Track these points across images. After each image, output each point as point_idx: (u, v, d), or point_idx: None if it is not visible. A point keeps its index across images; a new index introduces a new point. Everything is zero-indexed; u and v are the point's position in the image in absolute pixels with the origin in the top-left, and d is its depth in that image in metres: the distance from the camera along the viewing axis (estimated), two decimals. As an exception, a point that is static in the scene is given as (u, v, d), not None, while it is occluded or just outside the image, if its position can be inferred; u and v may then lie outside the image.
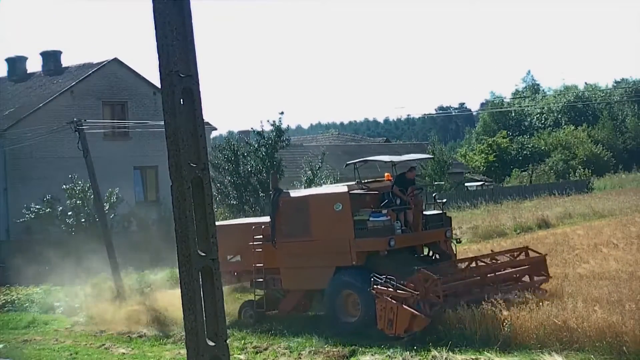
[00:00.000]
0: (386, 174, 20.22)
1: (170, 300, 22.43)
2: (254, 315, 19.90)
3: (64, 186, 33.84)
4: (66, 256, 29.54)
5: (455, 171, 59.19)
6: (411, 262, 17.83)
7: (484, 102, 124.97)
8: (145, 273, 29.19)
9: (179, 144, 6.11)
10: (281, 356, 16.74)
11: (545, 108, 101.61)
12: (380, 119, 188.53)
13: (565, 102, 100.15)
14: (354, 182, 19.40)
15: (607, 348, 13.38)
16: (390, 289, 15.83)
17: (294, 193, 20.09)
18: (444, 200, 21.45)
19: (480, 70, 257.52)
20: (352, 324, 17.56)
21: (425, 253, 19.62)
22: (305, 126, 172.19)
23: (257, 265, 19.61)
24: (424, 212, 19.22)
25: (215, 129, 44.62)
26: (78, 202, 33.96)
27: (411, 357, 15.06)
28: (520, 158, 75.49)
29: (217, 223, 21.30)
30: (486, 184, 62.65)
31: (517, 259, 18.21)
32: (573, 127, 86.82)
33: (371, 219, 17.87)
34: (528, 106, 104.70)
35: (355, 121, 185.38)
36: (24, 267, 29.48)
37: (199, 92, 6.26)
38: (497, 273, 17.54)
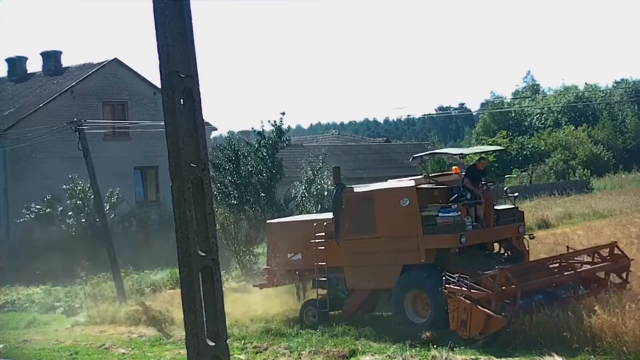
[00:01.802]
0: (454, 168, 19.71)
1: (171, 300, 22.47)
2: (317, 315, 19.22)
3: (64, 186, 33.82)
4: (66, 256, 29.58)
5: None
6: (482, 260, 17.29)
7: (484, 102, 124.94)
8: (146, 273, 29.24)
9: (179, 144, 6.11)
10: (281, 356, 16.72)
11: (545, 108, 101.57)
12: (381, 119, 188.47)
13: (565, 103, 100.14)
14: (421, 176, 18.80)
15: (607, 348, 13.39)
16: (464, 289, 15.03)
17: (358, 188, 19.05)
18: (516, 193, 20.67)
19: (480, 71, 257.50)
20: (422, 324, 16.64)
21: (497, 250, 18.90)
22: (306, 126, 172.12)
23: (320, 263, 19.00)
24: (495, 207, 18.54)
25: (216, 129, 44.72)
26: (78, 202, 33.93)
27: (411, 357, 15.07)
28: (520, 158, 75.45)
29: (277, 220, 21.14)
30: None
31: (601, 255, 17.33)
32: (573, 128, 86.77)
33: (440, 214, 17.09)
34: (528, 106, 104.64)
35: (355, 121, 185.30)
36: (24, 267, 29.52)
37: (199, 92, 6.26)
38: (576, 270, 16.61)
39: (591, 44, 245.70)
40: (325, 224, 19.16)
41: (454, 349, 14.81)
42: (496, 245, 18.96)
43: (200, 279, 6.20)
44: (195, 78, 6.22)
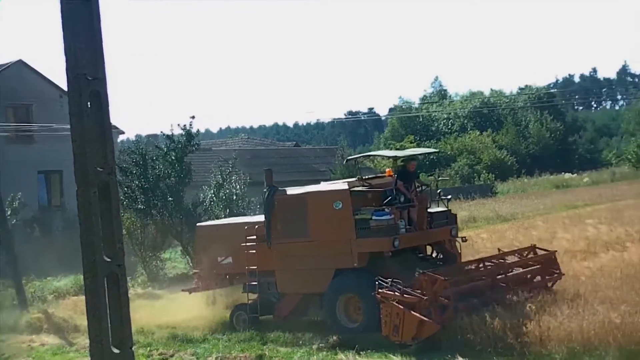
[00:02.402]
0: (387, 170, 19.46)
1: (75, 307, 22.01)
2: (248, 320, 18.83)
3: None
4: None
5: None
6: (415, 263, 17.01)
7: (393, 107, 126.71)
8: (49, 280, 28.55)
9: (86, 148, 6.02)
10: (187, 363, 16.60)
11: (452, 113, 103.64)
12: (290, 124, 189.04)
13: (471, 108, 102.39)
14: (354, 179, 18.51)
15: (509, 349, 13.70)
16: (397, 293, 14.78)
17: (290, 190, 18.67)
18: (449, 196, 20.52)
19: (389, 76, 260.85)
20: (354, 329, 16.51)
21: (429, 253, 18.79)
22: (215, 130, 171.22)
23: (251, 267, 18.64)
24: (428, 209, 18.27)
25: (123, 133, 43.85)
26: (-22, 207, 32.94)
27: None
28: (427, 162, 76.79)
29: (207, 223, 20.45)
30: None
31: (527, 257, 17.47)
32: (478, 133, 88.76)
33: (374, 217, 16.83)
34: (435, 111, 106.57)
35: (264, 125, 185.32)
36: None
37: (107, 95, 6.18)
38: (507, 274, 16.63)
39: (497, 50, 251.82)
40: (256, 227, 18.80)
41: (360, 352, 14.94)
42: (429, 248, 18.88)
43: (106, 285, 6.11)
44: (103, 81, 6.15)
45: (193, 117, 29.69)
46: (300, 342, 16.51)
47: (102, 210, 6.13)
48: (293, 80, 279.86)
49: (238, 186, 30.60)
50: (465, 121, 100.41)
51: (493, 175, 71.17)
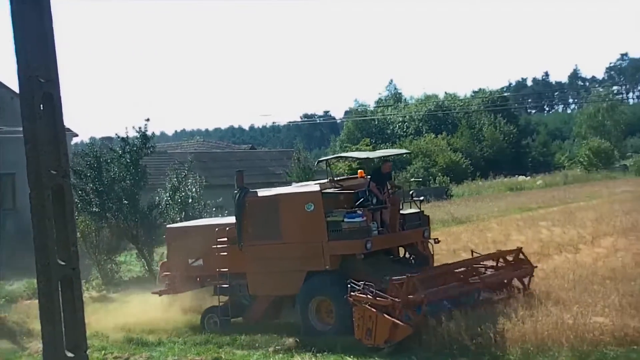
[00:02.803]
0: (359, 172, 19.32)
1: (28, 311, 21.72)
2: (219, 323, 18.70)
3: None
4: None
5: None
6: (388, 266, 17.00)
7: (348, 110, 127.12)
8: (1, 283, 28.15)
9: (39, 151, 5.96)
10: (142, 366, 16.49)
11: (407, 116, 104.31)
12: (246, 126, 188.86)
13: (426, 111, 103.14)
14: (326, 180, 18.35)
15: (464, 350, 13.81)
16: (370, 296, 14.66)
17: (262, 192, 18.56)
18: (422, 197, 20.41)
19: (344, 79, 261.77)
20: (327, 332, 16.37)
21: (402, 255, 18.68)
22: (170, 133, 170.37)
23: (222, 269, 18.41)
24: (401, 211, 18.20)
25: (77, 135, 43.44)
26: None
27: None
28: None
29: (177, 225, 20.15)
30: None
31: (506, 260, 17.46)
32: (433, 136, 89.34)
33: (346, 219, 16.69)
34: (391, 114, 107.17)
35: (220, 128, 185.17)
36: None
37: (60, 97, 6.12)
38: (481, 276, 16.73)
39: (451, 54, 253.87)
40: (227, 229, 18.62)
41: (317, 355, 14.96)
42: (402, 250, 18.79)
43: (60, 289, 6.05)
44: (56, 83, 6.08)
45: (148, 120, 29.51)
46: (257, 345, 16.48)
47: (56, 213, 6.06)
48: (249, 83, 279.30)
49: (194, 189, 30.46)
50: (421, 124, 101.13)
51: (448, 178, 71.67)
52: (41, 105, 6.02)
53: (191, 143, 73.84)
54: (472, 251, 18.68)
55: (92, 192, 28.43)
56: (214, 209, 30.45)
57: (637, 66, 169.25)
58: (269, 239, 17.66)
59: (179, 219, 27.99)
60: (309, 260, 17.00)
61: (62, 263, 6.05)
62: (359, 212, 16.81)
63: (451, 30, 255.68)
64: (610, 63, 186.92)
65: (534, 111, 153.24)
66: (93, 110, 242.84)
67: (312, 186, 18.12)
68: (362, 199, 17.35)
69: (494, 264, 17.51)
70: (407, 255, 18.66)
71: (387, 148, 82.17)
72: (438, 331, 14.16)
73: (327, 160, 19.68)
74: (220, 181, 45.68)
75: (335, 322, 16.43)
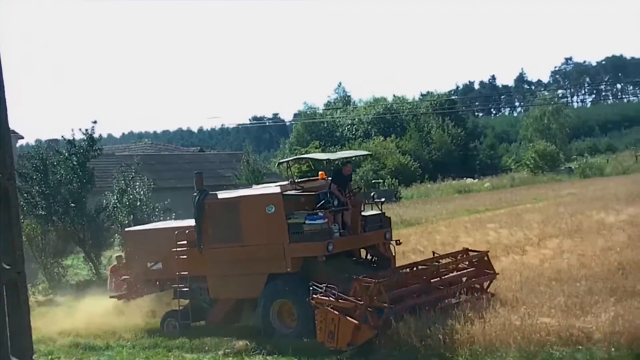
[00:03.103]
0: (320, 173, 19.21)
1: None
2: (178, 327, 18.34)
3: None
4: None
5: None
6: (349, 268, 16.87)
7: (297, 112, 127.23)
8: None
9: (-17, 153, 5.85)
10: (88, 371, 16.32)
11: (356, 119, 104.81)
12: (194, 129, 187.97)
13: (374, 114, 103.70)
14: (287, 182, 18.18)
15: (412, 352, 13.88)
16: (332, 299, 14.43)
17: (222, 194, 18.24)
18: (383, 199, 20.42)
19: (293, 81, 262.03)
20: (289, 335, 16.16)
21: (364, 257, 18.61)
22: (117, 135, 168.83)
23: (182, 273, 18.17)
24: (362, 213, 18.09)
25: (22, 137, 42.93)
26: None
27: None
28: (332, 168, 77.25)
29: (136, 228, 19.65)
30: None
31: (460, 259, 17.40)
32: (382, 138, 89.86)
33: (307, 221, 16.50)
34: (340, 117, 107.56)
35: (168, 130, 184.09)
36: None
37: (4, 98, 6.03)
38: (442, 277, 16.65)
39: (399, 57, 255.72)
40: (187, 231, 18.41)
41: (267, 357, 14.94)
42: (363, 252, 18.73)
43: (5, 293, 5.95)
44: (0, 84, 5.99)
45: (95, 122, 29.25)
46: (207, 348, 16.40)
47: (1, 216, 5.97)
48: (197, 85, 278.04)
49: (142, 192, 30.21)
50: (369, 127, 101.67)
51: (397, 181, 72.10)
52: (-15, 107, 5.92)
53: (139, 145, 73.29)
54: (433, 252, 18.59)
55: (38, 194, 28.08)
56: (162, 212, 30.23)
57: (581, 70, 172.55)
58: (229, 242, 17.48)
59: (127, 222, 27.74)
60: (270, 262, 16.83)
61: (7, 267, 5.95)
62: (320, 214, 16.70)
63: (399, 34, 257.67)
64: (555, 67, 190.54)
65: (481, 114, 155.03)
66: (38, 112, 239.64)
67: (273, 188, 17.87)
68: (324, 201, 17.21)
69: (458, 263, 17.49)
70: (369, 257, 18.63)
71: (336, 151, 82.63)
72: (387, 333, 14.21)
73: (287, 161, 19.56)
74: (168, 184, 45.49)
75: (297, 325, 16.29)
